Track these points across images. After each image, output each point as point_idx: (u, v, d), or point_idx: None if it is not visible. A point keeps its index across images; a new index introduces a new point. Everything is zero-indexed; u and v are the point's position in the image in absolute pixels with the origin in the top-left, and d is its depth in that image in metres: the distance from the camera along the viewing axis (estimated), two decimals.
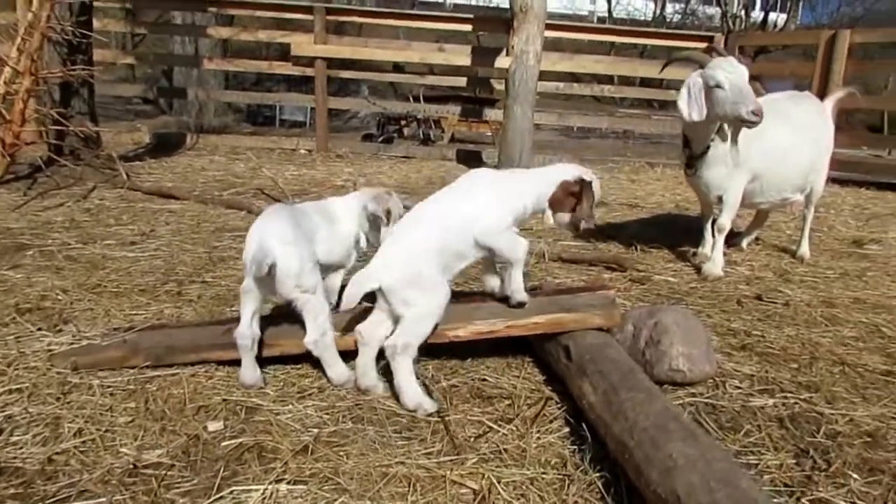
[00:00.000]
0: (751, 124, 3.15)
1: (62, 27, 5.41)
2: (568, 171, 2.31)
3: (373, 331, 2.08)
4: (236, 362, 2.14)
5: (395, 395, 2.02)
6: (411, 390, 1.98)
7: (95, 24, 6.54)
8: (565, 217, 2.31)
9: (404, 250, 2.08)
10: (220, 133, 9.70)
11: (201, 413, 1.93)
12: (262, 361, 2.15)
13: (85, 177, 5.35)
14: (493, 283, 2.39)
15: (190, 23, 11.01)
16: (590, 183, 2.28)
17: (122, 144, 7.62)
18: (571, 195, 2.28)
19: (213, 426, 1.85)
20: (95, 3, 6.36)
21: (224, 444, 1.78)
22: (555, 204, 2.29)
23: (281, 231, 2.04)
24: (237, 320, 2.08)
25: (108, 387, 2.04)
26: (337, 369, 2.09)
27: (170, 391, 2.03)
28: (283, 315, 2.26)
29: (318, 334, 2.05)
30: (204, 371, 2.16)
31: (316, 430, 1.85)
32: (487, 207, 2.18)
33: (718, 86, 3.16)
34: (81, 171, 5.38)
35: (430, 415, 1.96)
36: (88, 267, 3.24)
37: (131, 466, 1.67)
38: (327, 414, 1.95)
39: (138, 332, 2.34)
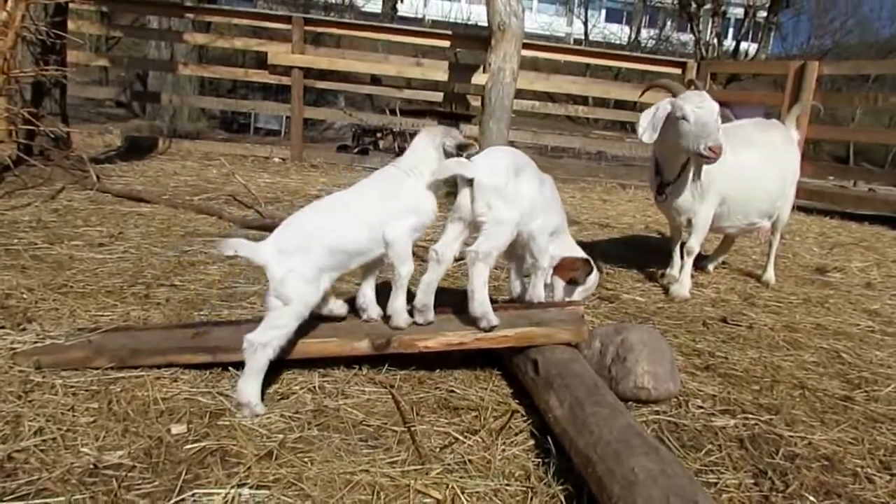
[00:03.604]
0: (707, 160, 3.22)
1: (36, 27, 5.34)
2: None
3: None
4: (203, 366, 2.12)
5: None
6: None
7: (70, 25, 6.47)
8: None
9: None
10: (194, 139, 9.61)
11: (165, 416, 1.90)
12: (229, 366, 2.14)
13: (54, 177, 5.26)
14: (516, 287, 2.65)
15: (166, 28, 10.94)
16: None
17: (93, 146, 7.52)
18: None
19: (177, 429, 1.82)
20: (71, 5, 6.29)
21: (187, 447, 1.75)
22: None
23: (284, 239, 2.02)
24: (205, 324, 2.06)
25: (71, 387, 2.00)
26: (250, 387, 1.95)
27: (134, 393, 2.00)
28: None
29: (262, 341, 1.94)
30: (169, 374, 2.13)
31: (281, 436, 1.83)
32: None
33: (685, 118, 3.21)
34: (51, 172, 5.28)
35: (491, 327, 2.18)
36: (55, 267, 3.18)
37: (92, 466, 1.64)
38: (293, 420, 1.94)
39: (103, 333, 2.30)
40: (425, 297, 2.25)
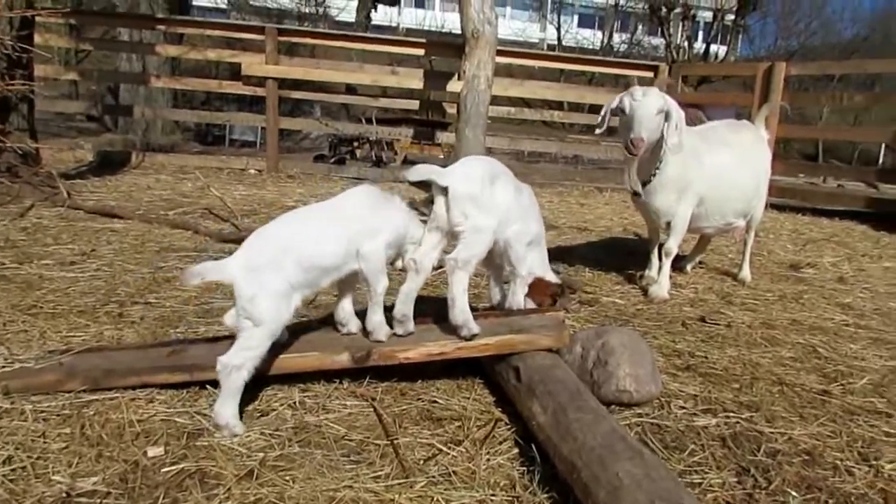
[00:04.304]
0: (628, 153, 3.32)
1: (1, 41, 5.24)
2: None
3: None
4: (180, 385, 2.07)
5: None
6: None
7: (37, 38, 6.35)
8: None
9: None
10: (168, 152, 9.49)
11: (141, 438, 1.86)
12: (206, 384, 2.10)
13: (22, 194, 5.15)
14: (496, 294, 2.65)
15: (137, 40, 10.81)
16: None
17: (63, 162, 7.39)
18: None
19: (153, 452, 1.78)
20: (38, 18, 6.18)
21: (164, 470, 1.71)
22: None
23: (253, 254, 1.96)
24: (182, 342, 2.02)
25: (42, 412, 1.95)
26: (227, 409, 1.90)
27: (108, 416, 1.95)
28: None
29: (235, 362, 1.89)
30: (145, 395, 2.08)
31: (261, 455, 1.80)
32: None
33: (622, 110, 3.32)
34: (19, 189, 5.18)
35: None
36: (24, 287, 3.11)
37: (64, 495, 1.59)
38: (273, 438, 1.90)
39: (75, 354, 2.25)
40: (404, 307, 2.24)
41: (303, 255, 2.00)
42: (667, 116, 3.30)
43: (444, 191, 2.23)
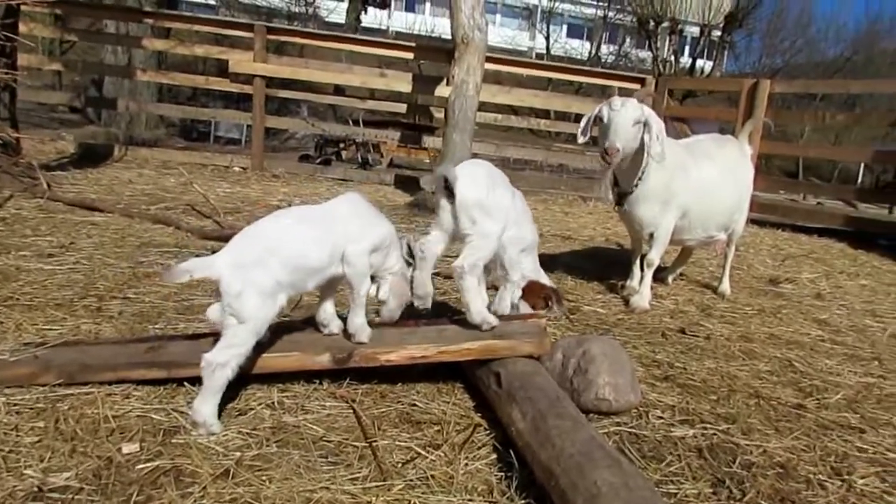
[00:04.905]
0: (603, 161, 3.40)
1: None
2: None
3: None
4: (157, 382, 2.05)
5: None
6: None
7: (22, 28, 6.28)
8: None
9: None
10: (151, 146, 9.39)
11: (116, 434, 1.83)
12: (184, 381, 2.08)
13: (1, 185, 5.07)
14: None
15: (123, 32, 10.69)
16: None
17: (44, 153, 7.28)
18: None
19: (128, 448, 1.75)
20: (23, 8, 6.10)
21: (139, 467, 1.69)
22: None
23: (240, 252, 1.95)
24: (160, 338, 1.99)
25: (15, 405, 1.92)
26: (206, 406, 1.88)
27: (83, 411, 1.92)
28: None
29: (220, 360, 1.88)
30: (121, 391, 2.06)
31: (238, 454, 1.78)
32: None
33: (601, 118, 3.36)
34: None
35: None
36: (0, 278, 3.05)
37: (36, 489, 1.56)
38: (251, 437, 1.89)
39: (51, 347, 2.21)
40: (421, 288, 2.32)
41: (289, 256, 2.00)
42: (647, 127, 3.34)
43: (451, 198, 2.27)
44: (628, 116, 3.29)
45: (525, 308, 2.61)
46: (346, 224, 2.16)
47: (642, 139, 3.37)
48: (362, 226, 2.19)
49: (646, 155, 3.41)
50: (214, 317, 1.95)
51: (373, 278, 2.27)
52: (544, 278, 2.70)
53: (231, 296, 1.89)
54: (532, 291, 2.62)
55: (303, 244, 2.05)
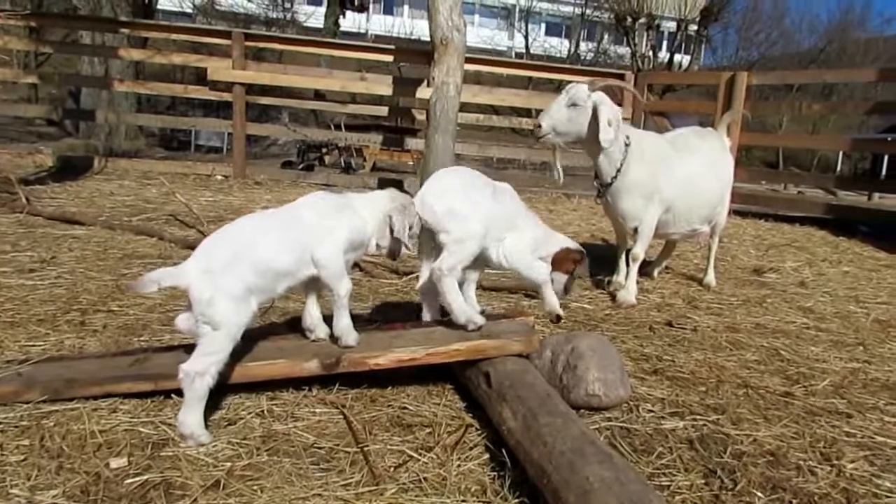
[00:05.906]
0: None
1: None
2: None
3: None
4: (144, 395, 2.03)
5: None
6: None
7: None
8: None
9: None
10: (131, 157, 9.32)
11: (103, 449, 1.81)
12: (171, 393, 2.05)
13: None
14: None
15: (100, 43, 10.60)
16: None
17: (22, 167, 7.20)
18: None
19: (116, 463, 1.73)
20: None
21: (128, 481, 1.67)
22: None
23: (207, 258, 1.92)
24: (146, 350, 1.97)
25: None
26: (192, 417, 1.86)
27: (69, 427, 1.90)
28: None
29: (197, 369, 1.85)
30: (108, 405, 2.03)
31: (228, 464, 1.77)
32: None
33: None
34: None
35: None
36: None
37: None
38: (241, 447, 1.87)
39: (34, 364, 2.18)
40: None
41: (256, 260, 1.96)
42: (595, 113, 3.37)
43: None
44: (562, 98, 3.43)
45: (560, 278, 2.60)
46: (311, 225, 2.12)
47: (595, 127, 3.39)
48: (328, 227, 2.14)
49: (624, 147, 3.46)
50: (183, 325, 1.92)
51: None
52: (565, 241, 2.69)
53: (202, 303, 1.85)
54: (560, 261, 2.61)
55: (268, 248, 2.01)
